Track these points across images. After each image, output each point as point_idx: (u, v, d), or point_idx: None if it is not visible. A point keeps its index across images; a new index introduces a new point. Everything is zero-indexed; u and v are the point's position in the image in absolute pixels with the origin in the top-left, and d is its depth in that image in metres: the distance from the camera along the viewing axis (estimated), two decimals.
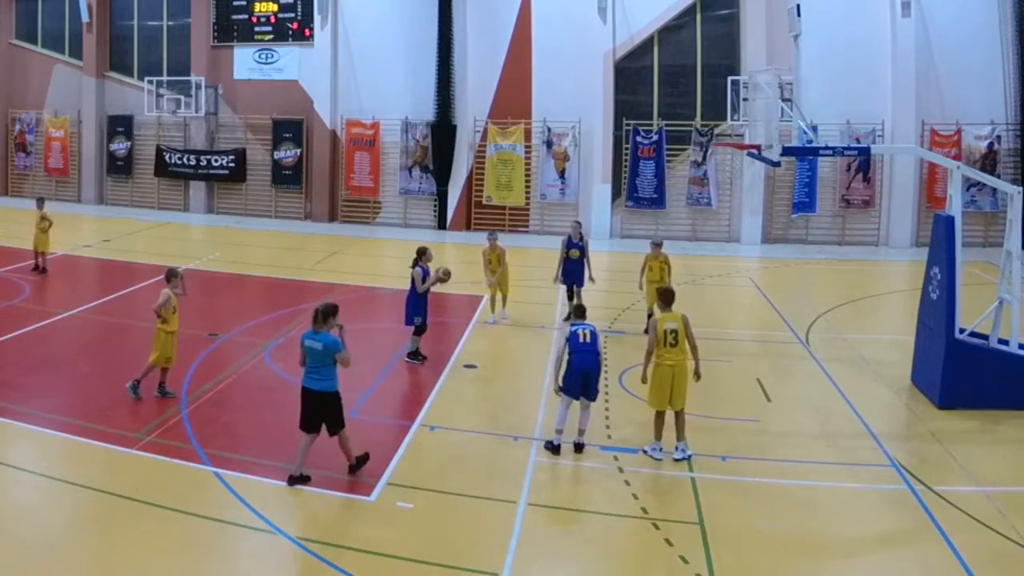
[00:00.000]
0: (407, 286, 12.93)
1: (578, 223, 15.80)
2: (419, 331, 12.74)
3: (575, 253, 14.94)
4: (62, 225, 19.06)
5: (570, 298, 15.11)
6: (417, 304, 12.67)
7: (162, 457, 8.98)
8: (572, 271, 14.97)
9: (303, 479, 8.53)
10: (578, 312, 10.30)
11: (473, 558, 7.32)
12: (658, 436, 9.51)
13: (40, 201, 18.89)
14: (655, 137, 25.15)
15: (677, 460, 9.36)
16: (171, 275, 10.98)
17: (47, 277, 18.17)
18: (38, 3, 31.23)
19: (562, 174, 25.96)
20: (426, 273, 12.68)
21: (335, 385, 8.51)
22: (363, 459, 8.84)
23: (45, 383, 11.37)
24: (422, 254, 12.81)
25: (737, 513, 8.18)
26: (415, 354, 12.77)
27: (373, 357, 12.82)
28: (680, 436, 9.50)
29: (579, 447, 9.60)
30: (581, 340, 9.54)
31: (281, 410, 10.74)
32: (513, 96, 26.19)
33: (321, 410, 8.51)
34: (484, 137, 26.53)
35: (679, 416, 9.47)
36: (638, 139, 25.25)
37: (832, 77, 22.89)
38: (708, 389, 11.54)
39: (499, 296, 15.28)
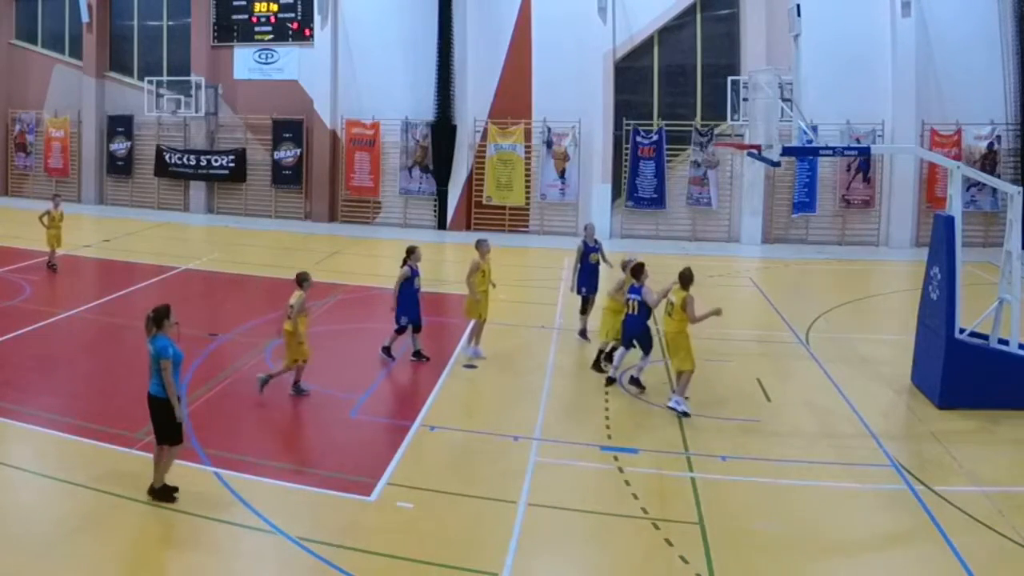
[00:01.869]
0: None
1: (592, 225, 14.80)
2: (415, 329, 12.76)
3: (595, 257, 14.11)
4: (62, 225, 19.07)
5: (583, 311, 14.09)
6: (403, 303, 12.56)
7: None
8: (590, 279, 14.08)
9: (167, 492, 8.06)
10: (635, 272, 11.58)
11: (473, 558, 7.31)
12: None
13: (56, 198, 19.27)
14: (655, 137, 25.15)
15: (670, 408, 10.70)
16: (302, 279, 10.99)
17: (49, 276, 18.18)
18: (38, 3, 31.23)
19: (562, 174, 25.95)
20: (414, 273, 12.63)
21: (161, 391, 7.93)
22: (170, 490, 8.05)
23: (45, 383, 11.37)
24: (410, 253, 12.76)
25: (737, 513, 8.17)
26: (418, 353, 12.80)
27: (373, 357, 12.83)
28: (676, 392, 10.85)
29: (634, 380, 11.54)
30: (630, 310, 11.54)
31: (281, 410, 10.79)
32: (513, 96, 26.18)
33: (153, 416, 8.06)
34: (484, 137, 26.53)
35: (679, 376, 10.86)
36: (638, 139, 25.25)
37: (832, 77, 22.87)
38: (708, 389, 11.59)
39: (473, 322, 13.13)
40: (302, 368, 11.06)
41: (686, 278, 10.84)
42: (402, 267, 12.70)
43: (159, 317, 8.10)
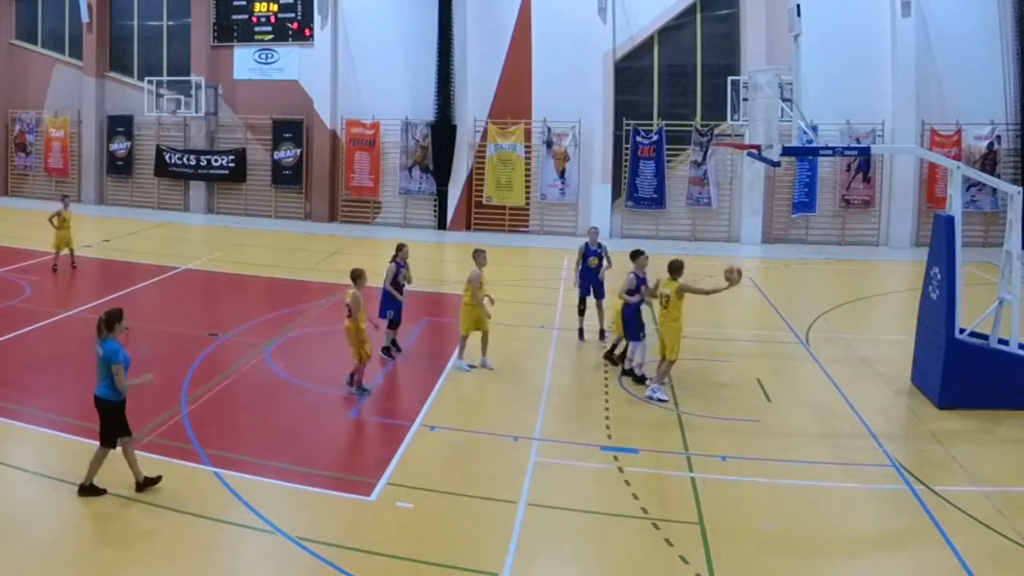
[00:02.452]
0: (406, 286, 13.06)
1: (596, 229, 14.82)
2: (393, 325, 12.91)
3: (594, 261, 13.97)
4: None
5: (581, 312, 14.02)
6: (390, 298, 12.81)
7: (162, 457, 8.97)
8: (591, 282, 13.99)
9: (95, 490, 8.10)
10: (632, 256, 12.10)
11: (473, 558, 7.32)
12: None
13: (65, 199, 19.36)
14: (655, 137, 25.15)
15: (648, 398, 11.11)
16: (356, 276, 11.16)
17: (50, 276, 18.19)
18: (38, 3, 31.22)
19: (562, 174, 25.95)
20: (399, 268, 12.84)
21: (109, 393, 8.02)
22: (152, 480, 8.22)
23: (45, 383, 11.37)
24: (399, 250, 13.05)
25: (737, 513, 8.17)
26: (389, 347, 12.97)
27: (373, 358, 12.82)
28: (656, 380, 11.31)
29: (638, 378, 11.72)
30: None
31: (281, 410, 10.79)
32: (513, 96, 26.18)
33: (101, 418, 8.12)
34: (484, 137, 26.52)
35: (664, 363, 11.32)
36: (638, 139, 25.25)
37: (832, 77, 22.86)
38: (708, 389, 11.60)
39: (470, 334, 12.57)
40: (362, 369, 11.19)
41: (675, 268, 11.23)
42: (391, 262, 12.95)
43: (111, 320, 8.16)
